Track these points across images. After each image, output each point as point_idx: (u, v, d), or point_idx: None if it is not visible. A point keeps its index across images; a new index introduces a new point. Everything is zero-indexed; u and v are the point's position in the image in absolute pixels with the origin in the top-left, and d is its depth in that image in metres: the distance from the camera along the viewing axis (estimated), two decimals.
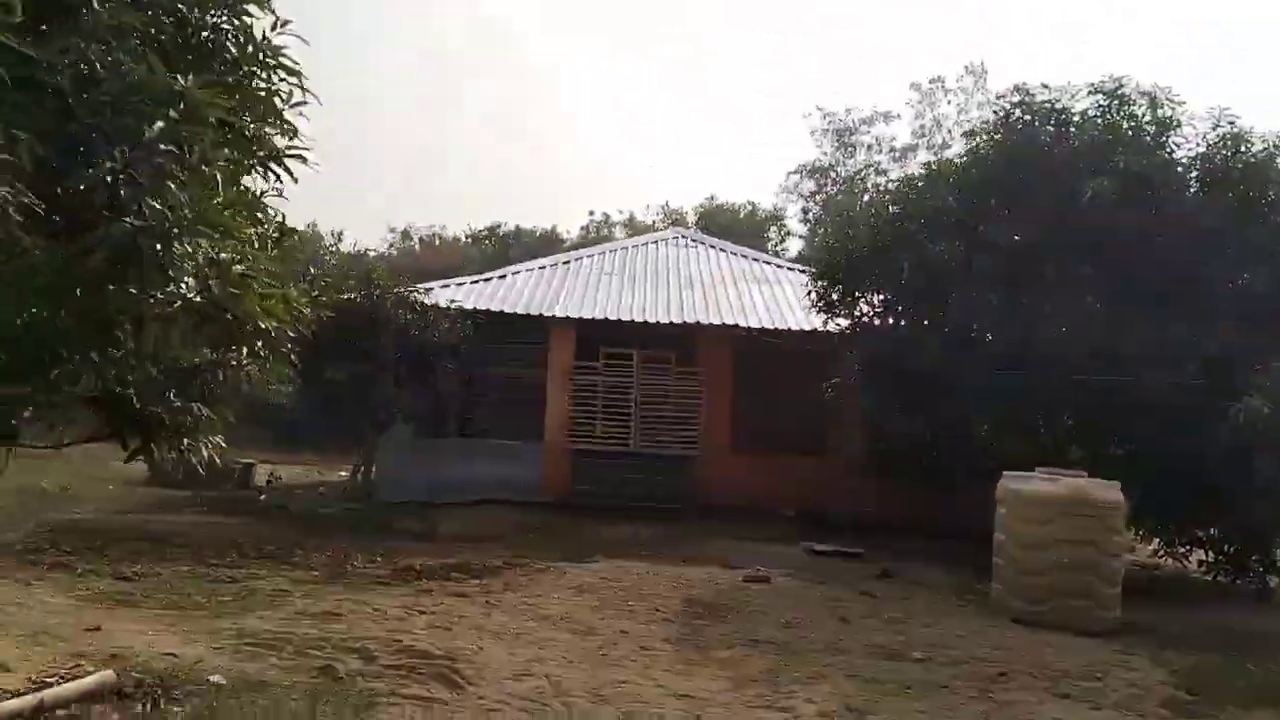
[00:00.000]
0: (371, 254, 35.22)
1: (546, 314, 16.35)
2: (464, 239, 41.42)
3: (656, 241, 22.22)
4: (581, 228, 42.68)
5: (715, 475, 15.72)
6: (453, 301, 15.87)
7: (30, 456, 8.28)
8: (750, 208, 42.85)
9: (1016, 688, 6.73)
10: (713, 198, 43.46)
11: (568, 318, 16.28)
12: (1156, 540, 12.44)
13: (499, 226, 40.87)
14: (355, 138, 70.65)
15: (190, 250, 4.08)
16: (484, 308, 16.21)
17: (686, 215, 42.02)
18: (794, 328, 16.27)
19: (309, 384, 15.83)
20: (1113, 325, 11.24)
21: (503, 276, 18.67)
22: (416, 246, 41.66)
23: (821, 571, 11.19)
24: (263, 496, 15.62)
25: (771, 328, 16.28)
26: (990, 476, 10.21)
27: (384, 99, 72.09)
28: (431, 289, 16.53)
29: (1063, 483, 9.44)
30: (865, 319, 14.09)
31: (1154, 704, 6.50)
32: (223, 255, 4.11)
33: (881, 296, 13.89)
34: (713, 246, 21.94)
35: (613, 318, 16.26)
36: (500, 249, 37.79)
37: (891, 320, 13.76)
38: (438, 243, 41.60)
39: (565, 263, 19.84)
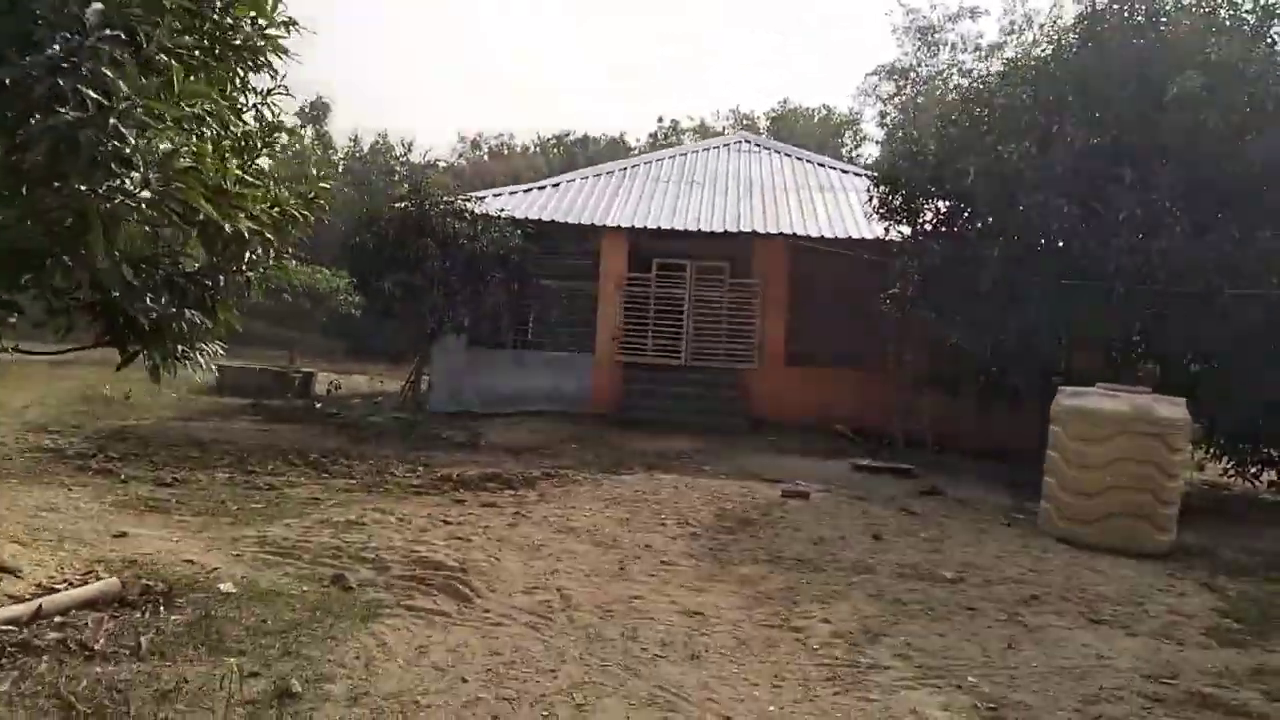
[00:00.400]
0: (441, 164, 35.19)
1: (597, 223, 16.01)
2: (532, 147, 41.09)
3: (719, 147, 21.51)
4: (650, 135, 41.98)
5: (768, 389, 15.41)
6: (501, 210, 15.62)
7: (97, 364, 8.39)
8: (825, 112, 41.49)
9: (1049, 611, 6.40)
10: (785, 101, 42.21)
11: (618, 227, 15.92)
12: (1226, 459, 11.81)
13: (567, 134, 40.47)
14: (430, 49, 70.28)
15: (137, 144, 3.88)
16: (534, 217, 15.93)
17: (758, 120, 40.87)
18: (853, 236, 15.65)
19: (369, 294, 16.02)
20: (1197, 232, 10.45)
21: (557, 185, 18.30)
22: (485, 155, 41.48)
23: (866, 488, 10.88)
24: (318, 405, 15.86)
25: (830, 236, 15.69)
26: (1055, 391, 9.71)
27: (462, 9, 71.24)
28: (484, 198, 16.30)
29: (1125, 399, 8.92)
30: (928, 225, 13.44)
31: (1194, 631, 6.10)
32: (163, 147, 3.85)
33: (946, 202, 13.20)
34: (778, 152, 21.16)
35: (664, 226, 15.84)
36: (568, 156, 37.40)
37: (955, 227, 13.10)
38: (505, 151, 41.35)
39: (622, 170, 19.36)
